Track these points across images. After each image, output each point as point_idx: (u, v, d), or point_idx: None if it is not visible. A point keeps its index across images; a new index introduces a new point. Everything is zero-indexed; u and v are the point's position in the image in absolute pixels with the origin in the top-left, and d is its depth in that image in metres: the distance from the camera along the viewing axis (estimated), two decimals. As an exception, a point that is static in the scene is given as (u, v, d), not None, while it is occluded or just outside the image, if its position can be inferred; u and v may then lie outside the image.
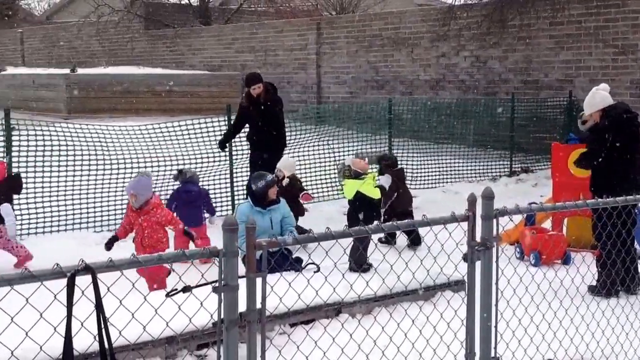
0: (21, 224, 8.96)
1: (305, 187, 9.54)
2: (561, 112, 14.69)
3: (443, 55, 17.34)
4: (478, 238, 3.43)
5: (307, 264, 5.82)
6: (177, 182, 8.76)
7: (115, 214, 9.52)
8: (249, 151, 10.04)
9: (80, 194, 9.51)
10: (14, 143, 9.02)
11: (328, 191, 11.58)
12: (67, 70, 22.02)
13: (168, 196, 8.65)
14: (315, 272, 5.51)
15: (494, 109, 14.63)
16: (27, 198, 9.10)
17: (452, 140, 14.08)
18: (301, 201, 8.90)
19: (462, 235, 3.44)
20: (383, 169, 8.85)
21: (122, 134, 10.25)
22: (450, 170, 13.08)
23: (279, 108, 9.66)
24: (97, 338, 2.72)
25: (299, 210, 8.75)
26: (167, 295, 2.92)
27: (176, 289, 2.90)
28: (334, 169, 11.82)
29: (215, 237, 8.44)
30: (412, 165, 12.60)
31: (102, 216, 9.50)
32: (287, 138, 11.17)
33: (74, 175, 9.50)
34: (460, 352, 3.65)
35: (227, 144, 10.07)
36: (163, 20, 25.81)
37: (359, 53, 19.14)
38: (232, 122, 10.06)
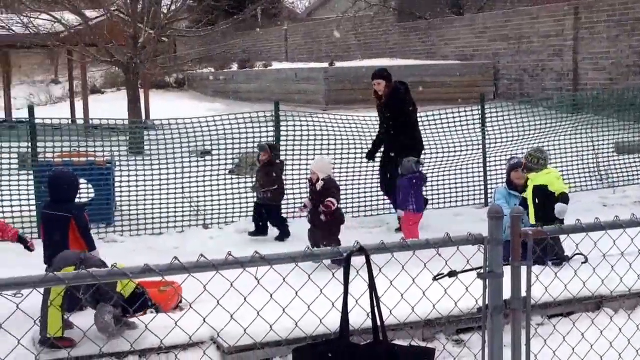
0: (287, 208, 9.68)
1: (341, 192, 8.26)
2: None
3: None
4: None
5: (575, 255, 5.65)
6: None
7: (371, 200, 9.95)
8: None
9: (339, 180, 10.04)
10: (281, 133, 9.80)
11: (586, 181, 11.06)
12: (326, 64, 23.19)
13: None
14: (583, 262, 5.34)
15: None
16: (292, 183, 9.80)
17: None
18: (321, 209, 7.49)
19: None
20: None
21: (376, 124, 10.62)
22: None
23: (405, 108, 8.89)
24: (369, 315, 2.91)
25: (335, 219, 7.59)
26: (434, 279, 3.03)
27: (442, 273, 3.00)
28: (593, 159, 11.28)
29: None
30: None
31: (365, 201, 9.98)
32: (539, 126, 10.83)
33: (334, 163, 10.06)
34: None
35: (375, 154, 9.40)
36: (416, 12, 26.13)
37: (620, 37, 17.93)
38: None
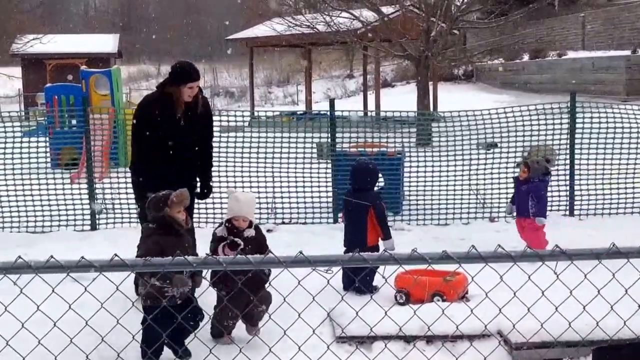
0: (587, 202, 9.17)
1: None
2: None
3: None
4: None
5: None
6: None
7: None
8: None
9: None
10: (577, 125, 9.32)
11: None
12: (627, 52, 21.64)
13: None
14: None
15: None
16: (588, 184, 9.26)
17: None
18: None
19: None
20: None
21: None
22: None
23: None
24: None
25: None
26: None
27: None
28: None
29: None
30: None
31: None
32: None
33: (635, 157, 9.35)
34: None
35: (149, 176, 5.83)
36: None
37: None
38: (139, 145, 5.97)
